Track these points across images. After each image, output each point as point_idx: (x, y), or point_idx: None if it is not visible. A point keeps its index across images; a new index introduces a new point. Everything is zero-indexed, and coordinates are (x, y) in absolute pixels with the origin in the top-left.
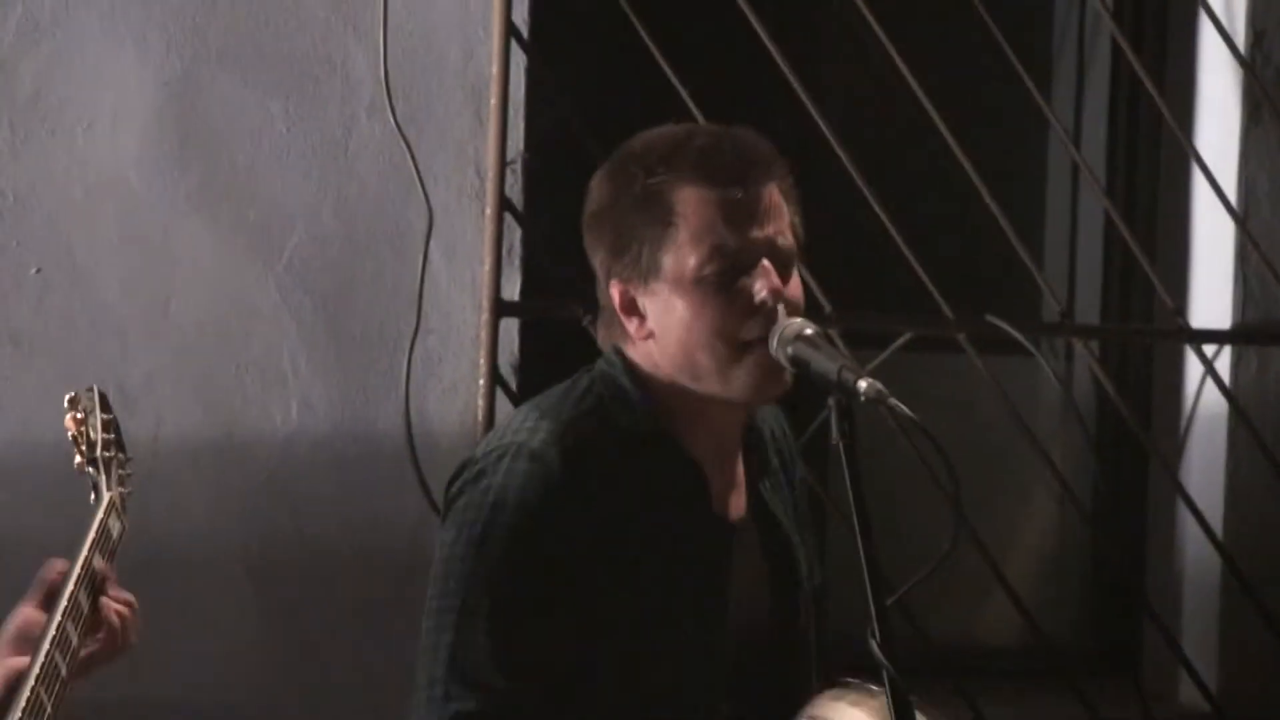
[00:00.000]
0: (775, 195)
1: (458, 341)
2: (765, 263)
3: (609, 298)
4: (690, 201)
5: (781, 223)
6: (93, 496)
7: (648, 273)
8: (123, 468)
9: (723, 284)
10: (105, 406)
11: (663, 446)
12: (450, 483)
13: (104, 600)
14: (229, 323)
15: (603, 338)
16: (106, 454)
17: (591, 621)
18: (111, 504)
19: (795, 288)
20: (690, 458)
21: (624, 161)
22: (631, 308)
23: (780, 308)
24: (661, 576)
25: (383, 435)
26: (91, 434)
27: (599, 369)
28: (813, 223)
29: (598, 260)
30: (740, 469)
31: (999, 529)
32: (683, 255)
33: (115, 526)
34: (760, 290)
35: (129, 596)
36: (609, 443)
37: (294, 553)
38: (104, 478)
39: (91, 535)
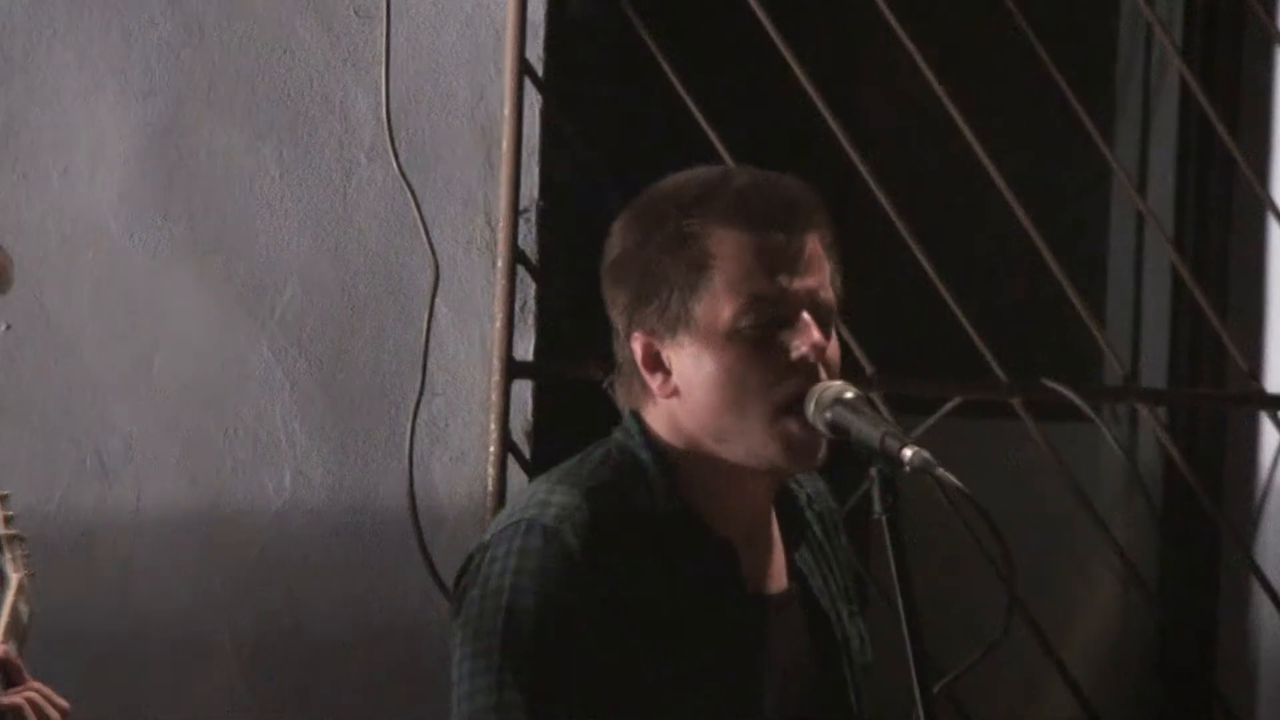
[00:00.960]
0: (817, 246)
1: (466, 405)
2: (806, 316)
3: (629, 351)
4: (728, 245)
5: (823, 276)
6: None
7: (676, 323)
8: (22, 547)
9: (760, 338)
10: None
11: (687, 526)
12: (461, 573)
13: (9, 695)
14: (217, 384)
15: (622, 399)
16: (8, 532)
17: (624, 711)
18: (20, 587)
19: (834, 349)
20: (718, 536)
21: (654, 201)
22: (655, 362)
23: (820, 367)
24: (691, 662)
25: (384, 507)
26: None
27: (615, 439)
28: (853, 277)
29: (619, 309)
30: (776, 536)
31: (1056, 610)
32: (717, 304)
33: (24, 610)
34: (800, 346)
35: (40, 686)
36: (628, 522)
37: (289, 635)
38: (6, 558)
39: (1, 623)
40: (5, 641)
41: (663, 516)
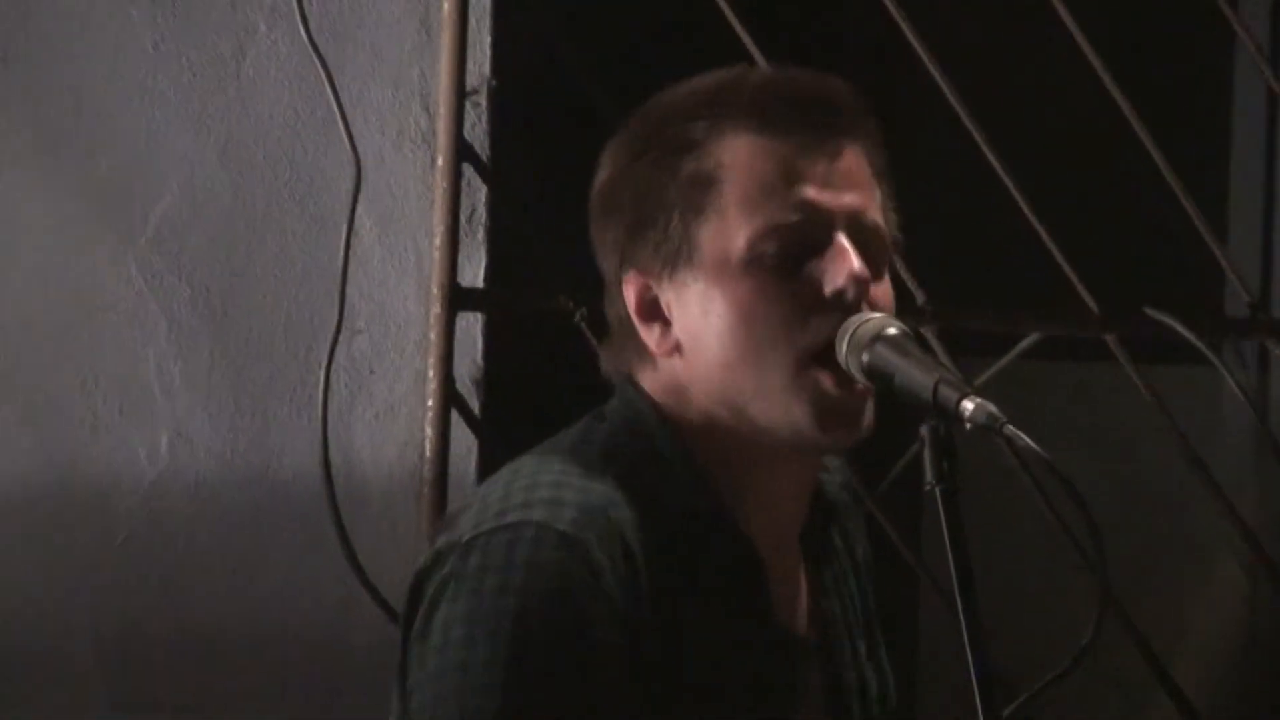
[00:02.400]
0: (859, 159)
1: (397, 345)
2: (843, 238)
3: (621, 302)
4: (741, 152)
5: (868, 195)
6: None
7: (677, 257)
8: None
9: (782, 268)
10: None
11: (716, 531)
12: (422, 577)
13: None
14: (71, 320)
15: (609, 367)
16: None
17: None
18: None
19: (886, 291)
20: (750, 548)
21: (653, 106)
22: (652, 310)
23: (865, 308)
24: (718, 710)
25: (290, 479)
26: None
27: (617, 413)
28: (904, 193)
29: (608, 248)
30: (802, 563)
31: (1162, 607)
32: (728, 228)
33: None
34: (836, 277)
35: None
36: (652, 532)
37: (163, 639)
38: None
39: None
40: None
41: (688, 515)
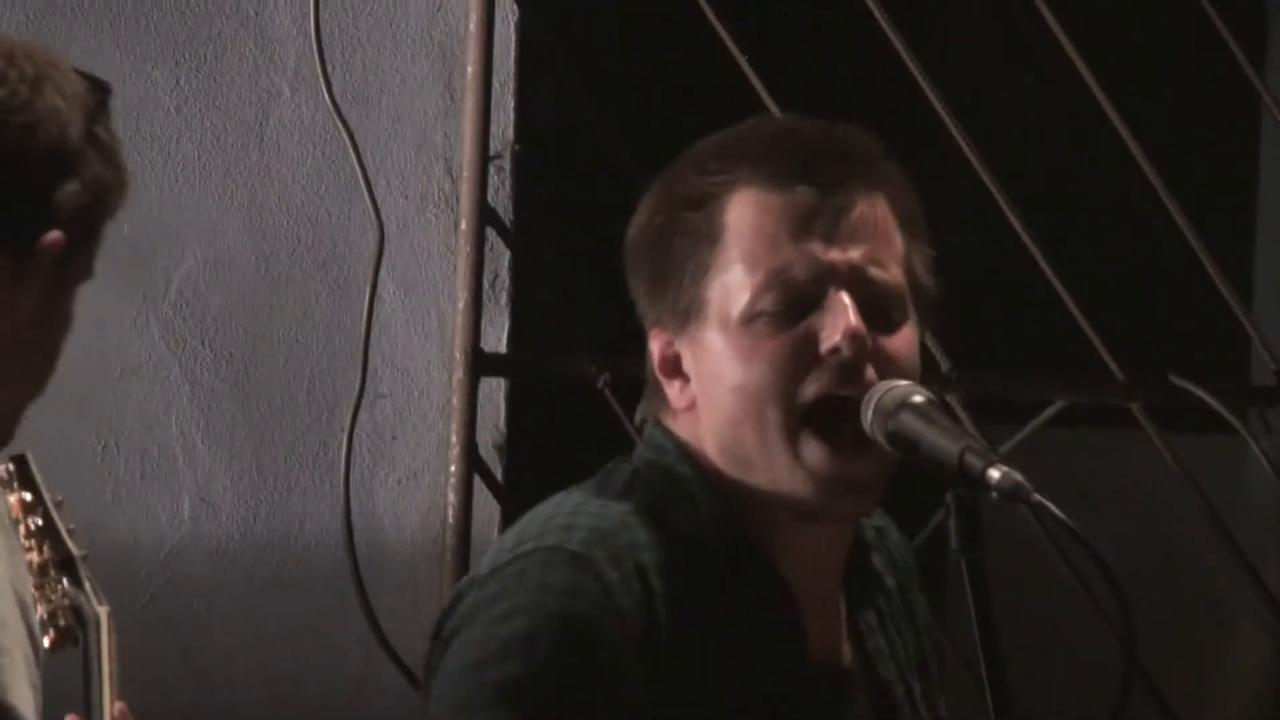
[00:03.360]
0: (878, 209)
1: (420, 411)
2: (842, 295)
3: (650, 355)
4: (746, 207)
5: (880, 248)
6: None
7: (689, 313)
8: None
9: (783, 325)
10: (26, 479)
11: (744, 562)
12: (443, 619)
13: None
14: (92, 383)
15: (641, 413)
16: (79, 551)
17: None
18: (108, 624)
19: (903, 344)
20: (779, 577)
21: (677, 163)
22: (673, 366)
23: (868, 367)
24: None
25: (312, 544)
26: (38, 525)
27: (641, 456)
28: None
29: (638, 302)
30: (841, 597)
31: (1189, 676)
32: (732, 284)
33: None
34: (833, 333)
35: None
36: (674, 554)
37: (182, 706)
38: (86, 588)
39: (107, 678)
40: (117, 698)
41: (712, 547)
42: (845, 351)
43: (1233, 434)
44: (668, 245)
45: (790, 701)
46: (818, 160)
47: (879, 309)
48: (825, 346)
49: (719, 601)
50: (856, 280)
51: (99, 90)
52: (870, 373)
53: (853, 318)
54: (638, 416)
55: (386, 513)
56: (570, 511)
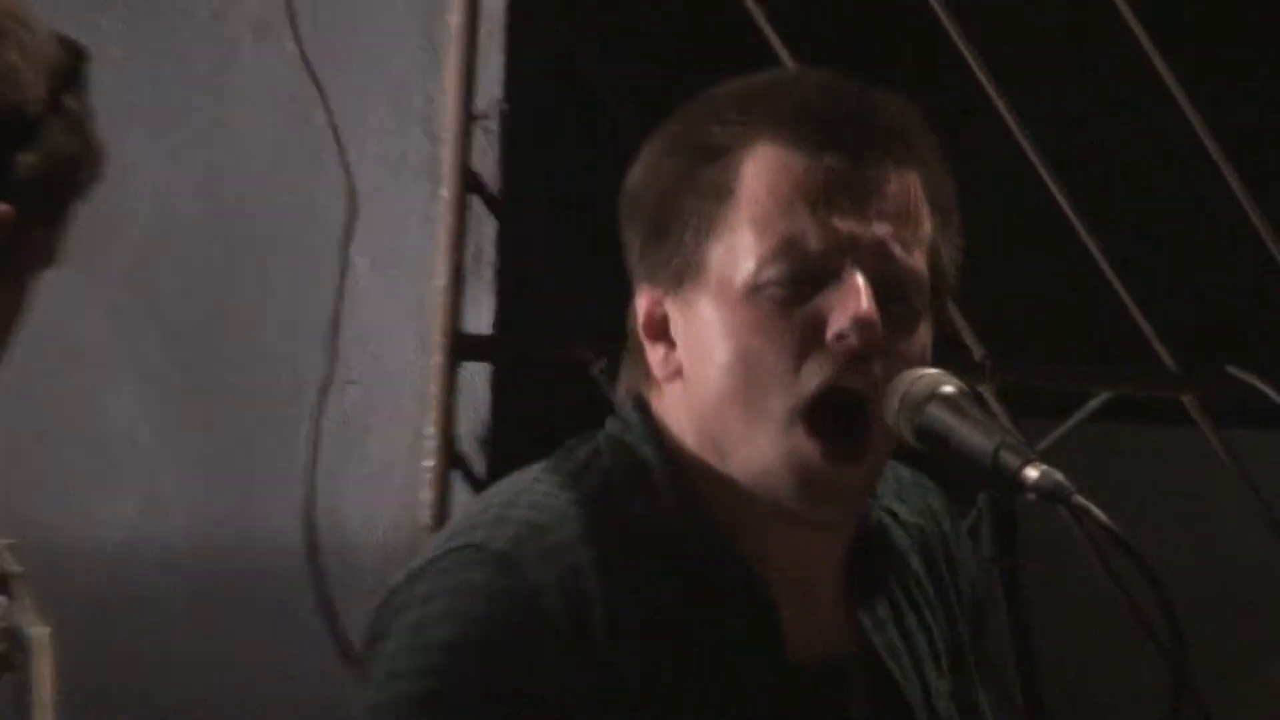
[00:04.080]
0: (910, 188)
1: (393, 400)
2: (857, 276)
3: (633, 314)
4: (766, 165)
5: (910, 230)
6: None
7: (685, 272)
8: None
9: (789, 301)
10: None
11: (707, 558)
12: (375, 620)
13: None
14: (27, 367)
15: (622, 382)
16: (13, 569)
17: None
18: (49, 645)
19: (917, 342)
20: (751, 574)
21: (689, 106)
22: (659, 328)
23: (876, 362)
24: None
25: (270, 548)
26: None
27: (606, 433)
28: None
29: (630, 255)
30: (836, 579)
31: (1244, 698)
32: (738, 247)
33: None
34: (840, 317)
35: None
36: (627, 547)
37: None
38: (24, 606)
39: (47, 705)
40: None
41: (673, 535)
42: (853, 339)
43: None
44: (672, 196)
45: (761, 706)
46: (850, 126)
47: (897, 295)
48: (832, 331)
49: (676, 601)
50: (877, 258)
51: (74, 55)
52: (878, 369)
53: (865, 302)
54: (619, 388)
55: (355, 513)
56: (507, 501)
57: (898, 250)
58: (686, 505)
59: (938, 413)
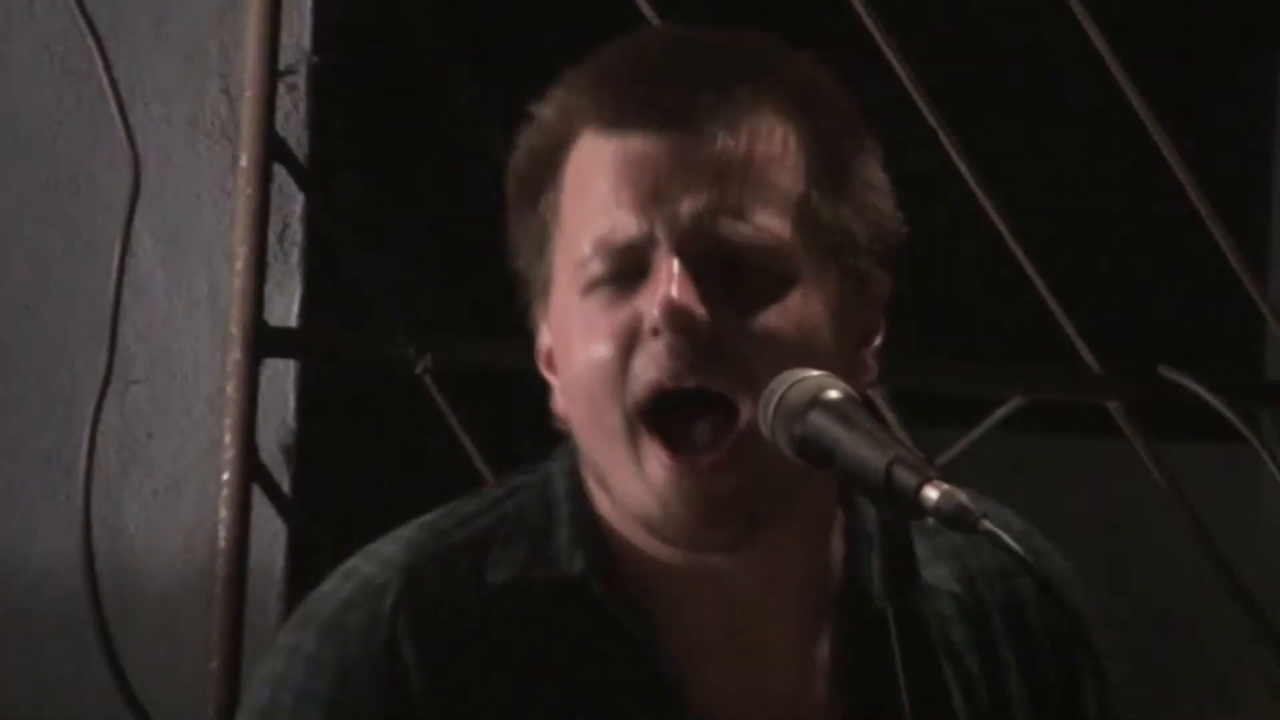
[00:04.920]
0: (749, 140)
1: (183, 402)
2: (664, 264)
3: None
4: (582, 158)
5: (747, 193)
6: None
7: (544, 290)
8: None
9: (615, 296)
10: None
11: (587, 608)
12: None
13: None
14: None
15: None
16: None
17: None
18: None
19: (788, 316)
20: (630, 630)
21: (542, 99)
22: (549, 361)
23: (719, 351)
24: None
25: (41, 573)
26: None
27: (545, 464)
28: None
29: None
30: (826, 629)
31: None
32: (568, 249)
33: None
34: (653, 308)
35: None
36: (475, 615)
37: None
38: None
39: None
40: None
41: (556, 596)
42: (664, 331)
43: (1239, 442)
44: (516, 207)
45: None
46: (665, 87)
47: (739, 266)
48: (647, 324)
49: (539, 659)
50: (692, 235)
51: None
52: (726, 358)
53: (671, 288)
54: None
55: (139, 533)
56: (373, 550)
57: (721, 224)
58: (576, 548)
59: (821, 422)
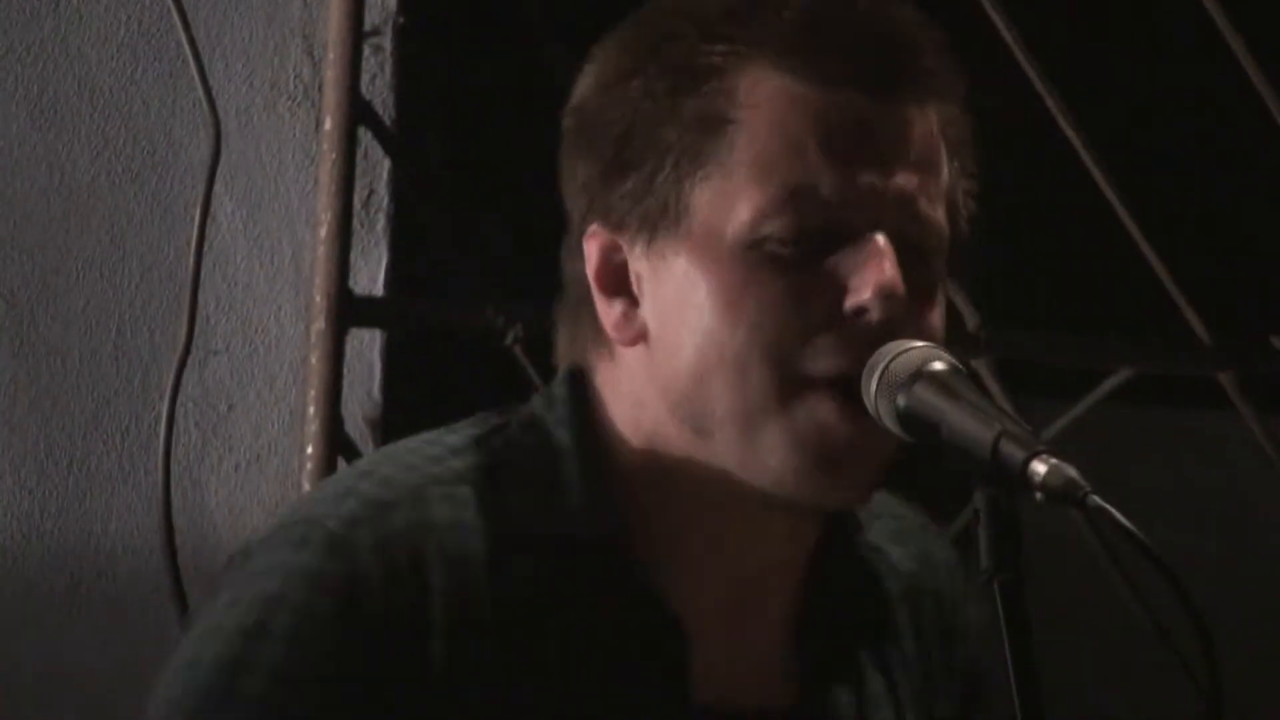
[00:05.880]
0: (933, 128)
1: (266, 374)
2: (880, 238)
3: (581, 260)
4: (769, 97)
5: (932, 177)
6: None
7: (661, 217)
8: None
9: (795, 261)
10: None
11: (604, 571)
12: (208, 587)
13: None
14: None
15: (561, 347)
16: None
17: None
18: None
19: (938, 313)
20: (655, 595)
21: (657, 13)
22: (618, 280)
23: (889, 332)
24: None
25: (119, 550)
26: None
27: (526, 409)
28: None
29: (575, 186)
30: (781, 614)
31: None
32: (733, 193)
33: None
34: (862, 288)
35: None
36: (498, 544)
37: None
38: None
39: None
40: None
41: (562, 542)
42: (874, 314)
43: None
44: (643, 123)
45: None
46: (870, 51)
47: (920, 259)
48: (851, 303)
49: (548, 615)
50: (903, 216)
51: None
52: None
53: (890, 269)
54: (557, 355)
55: (219, 509)
56: (363, 471)
57: (924, 206)
58: (595, 508)
59: (925, 394)
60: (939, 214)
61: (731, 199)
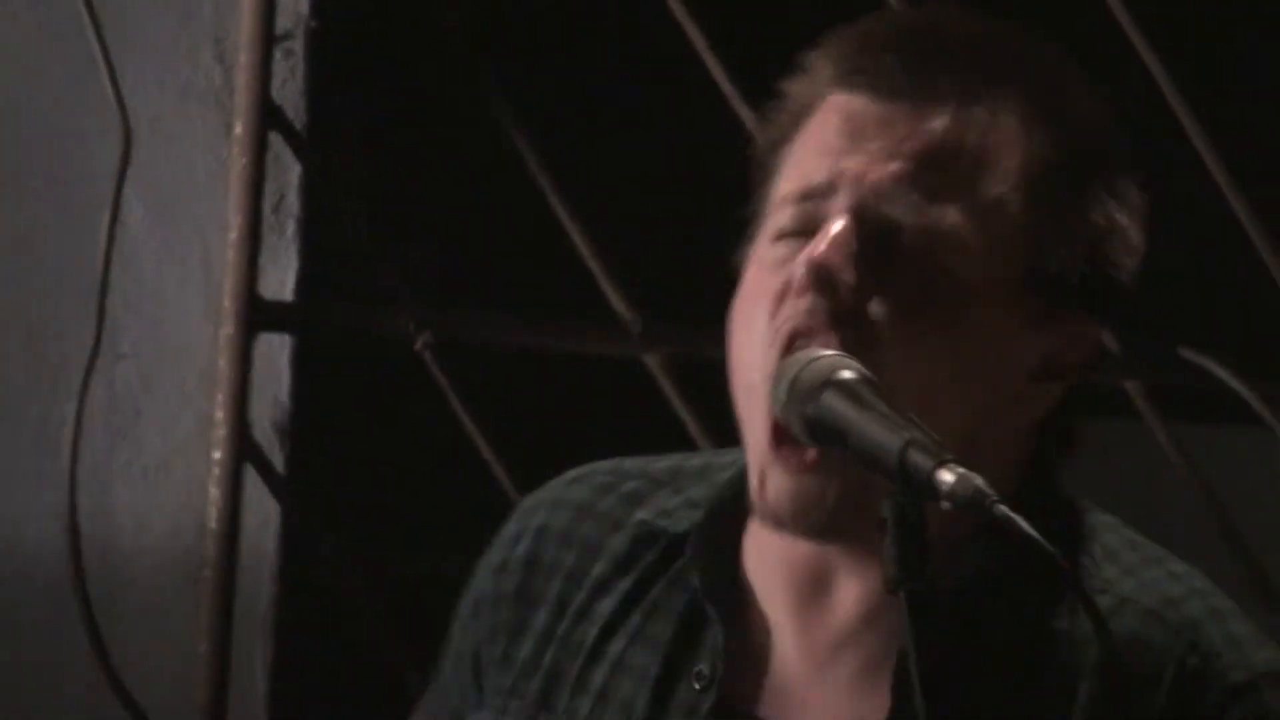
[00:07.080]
0: (971, 130)
1: (174, 378)
2: (836, 220)
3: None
4: (816, 109)
5: (944, 174)
6: None
7: (751, 232)
8: None
9: (788, 257)
10: None
11: (665, 558)
12: None
13: None
14: None
15: None
16: None
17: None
18: None
19: (938, 327)
20: (710, 580)
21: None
22: None
23: (837, 324)
24: None
25: (25, 555)
26: None
27: None
28: None
29: None
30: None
31: None
32: (773, 193)
33: None
34: (797, 266)
35: None
36: (620, 535)
37: None
38: None
39: None
40: None
41: (675, 537)
42: (796, 284)
43: (1264, 426)
44: (760, 147)
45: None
46: (902, 57)
47: (915, 262)
48: (793, 283)
49: (638, 605)
50: (874, 202)
51: None
52: (864, 347)
53: (821, 244)
54: None
55: (126, 512)
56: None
57: (911, 197)
58: (727, 500)
59: (834, 403)
60: (947, 216)
61: (772, 198)
